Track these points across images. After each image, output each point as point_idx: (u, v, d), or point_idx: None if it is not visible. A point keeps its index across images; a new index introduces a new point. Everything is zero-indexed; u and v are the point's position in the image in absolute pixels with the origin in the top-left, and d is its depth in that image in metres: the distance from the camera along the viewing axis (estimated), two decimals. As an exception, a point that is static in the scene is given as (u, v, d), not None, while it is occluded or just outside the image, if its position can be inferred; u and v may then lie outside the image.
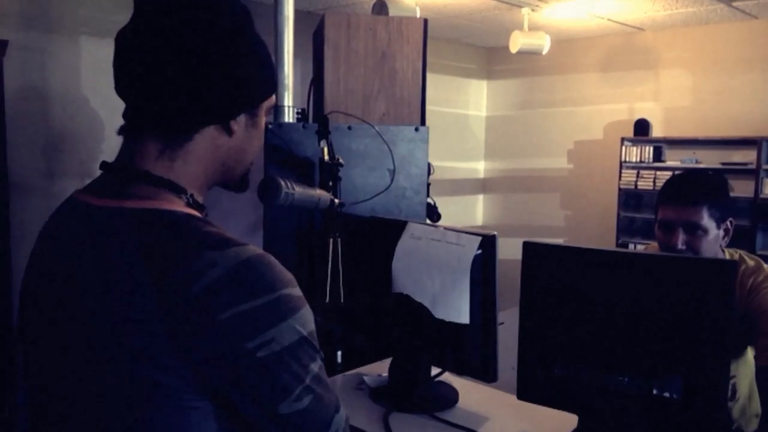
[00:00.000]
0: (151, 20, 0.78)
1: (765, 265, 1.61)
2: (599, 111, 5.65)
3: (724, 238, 1.61)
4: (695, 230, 1.56)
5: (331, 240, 1.67)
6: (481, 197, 6.64)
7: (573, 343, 1.31)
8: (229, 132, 0.83)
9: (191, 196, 0.81)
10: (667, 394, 1.21)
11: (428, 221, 2.21)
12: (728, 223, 1.61)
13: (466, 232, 1.47)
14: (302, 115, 1.86)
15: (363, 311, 1.72)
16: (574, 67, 5.80)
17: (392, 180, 1.72)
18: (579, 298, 1.30)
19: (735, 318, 1.55)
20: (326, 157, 1.49)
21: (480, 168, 6.59)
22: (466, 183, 6.40)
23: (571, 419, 1.31)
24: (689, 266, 1.21)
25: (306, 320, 0.74)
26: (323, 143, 1.48)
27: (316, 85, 2.13)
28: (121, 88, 0.81)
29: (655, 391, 1.22)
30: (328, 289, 1.71)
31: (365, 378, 1.65)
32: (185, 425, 0.72)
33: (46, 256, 0.83)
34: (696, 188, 1.59)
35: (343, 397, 1.61)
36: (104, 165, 0.84)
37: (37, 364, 0.83)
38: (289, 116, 1.89)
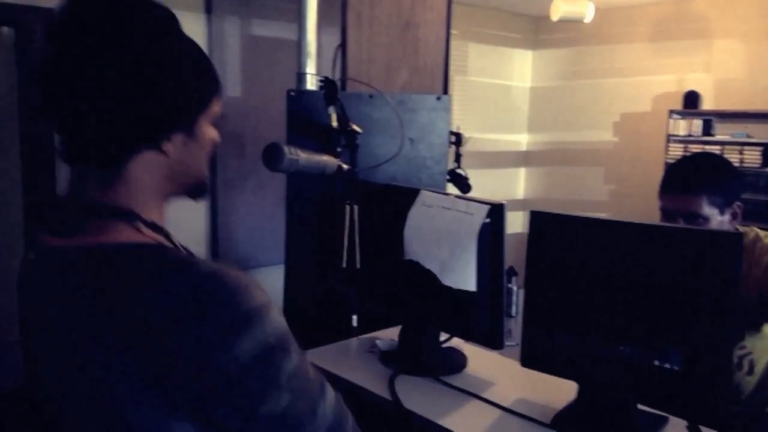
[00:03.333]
0: (64, 40, 0.74)
1: None
2: (647, 82, 5.46)
3: (732, 222, 1.56)
4: (695, 219, 1.53)
5: (347, 207, 1.70)
6: (523, 170, 6.54)
7: (575, 312, 1.32)
8: (165, 153, 0.80)
9: (142, 220, 0.79)
10: (668, 366, 1.20)
11: (452, 192, 2.22)
12: (735, 206, 1.55)
13: (476, 201, 1.48)
14: (325, 83, 1.88)
15: (378, 277, 1.76)
16: (622, 37, 5.60)
17: (400, 148, 1.73)
18: (583, 267, 1.30)
19: (742, 294, 1.52)
20: (334, 124, 1.52)
21: (522, 140, 6.48)
22: (507, 155, 6.32)
23: (572, 387, 1.32)
24: (694, 237, 1.19)
25: (272, 326, 0.74)
26: (331, 109, 1.50)
27: (341, 53, 2.14)
28: (45, 115, 0.78)
29: (656, 362, 1.22)
30: (344, 254, 1.76)
31: (377, 342, 1.69)
32: None
33: (25, 307, 0.85)
34: (694, 176, 1.55)
35: (355, 359, 1.67)
36: (54, 199, 0.84)
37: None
38: (311, 84, 1.92)
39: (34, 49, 2.75)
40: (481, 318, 1.49)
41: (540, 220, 1.37)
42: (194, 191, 0.90)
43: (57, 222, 0.81)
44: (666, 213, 1.59)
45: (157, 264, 0.73)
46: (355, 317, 1.81)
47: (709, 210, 1.52)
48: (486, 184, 5.79)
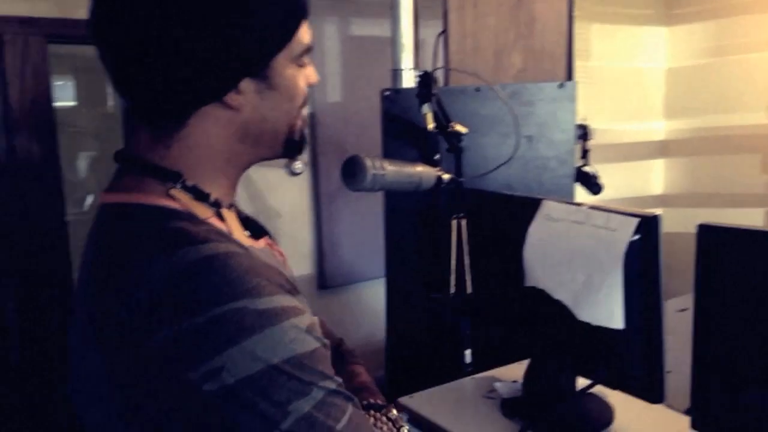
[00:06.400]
0: None
1: None
2: (813, 51, 4.64)
3: None
4: None
5: (454, 222, 1.43)
6: (661, 162, 5.87)
7: (773, 364, 0.95)
8: (232, 108, 0.65)
9: (183, 182, 0.64)
10: None
11: (580, 195, 1.88)
12: None
13: (619, 213, 1.14)
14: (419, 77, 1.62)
15: (494, 305, 1.46)
16: (779, 1, 4.81)
17: (515, 148, 1.42)
18: (783, 302, 0.93)
19: None
20: (430, 125, 1.24)
21: (659, 129, 5.81)
22: (641, 147, 5.68)
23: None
24: None
25: (279, 342, 0.55)
26: (426, 107, 1.23)
27: (444, 43, 1.86)
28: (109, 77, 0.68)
29: None
30: (452, 278, 1.48)
31: (496, 385, 1.39)
32: None
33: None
34: None
35: (468, 406, 1.38)
36: (115, 154, 0.71)
37: None
38: (408, 81, 1.67)
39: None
40: (631, 362, 1.15)
41: (714, 237, 1.01)
42: (285, 148, 0.71)
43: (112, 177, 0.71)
44: None
45: (163, 233, 0.59)
46: (468, 352, 1.52)
47: None
48: (617, 181, 5.21)
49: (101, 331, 0.57)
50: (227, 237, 0.63)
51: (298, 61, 0.68)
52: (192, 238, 0.58)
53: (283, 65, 0.66)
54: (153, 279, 0.55)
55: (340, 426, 0.57)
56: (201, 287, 0.54)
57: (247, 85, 0.64)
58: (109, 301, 0.57)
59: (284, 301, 0.57)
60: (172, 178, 0.64)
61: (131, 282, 0.56)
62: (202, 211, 0.65)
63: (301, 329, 0.57)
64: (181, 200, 0.64)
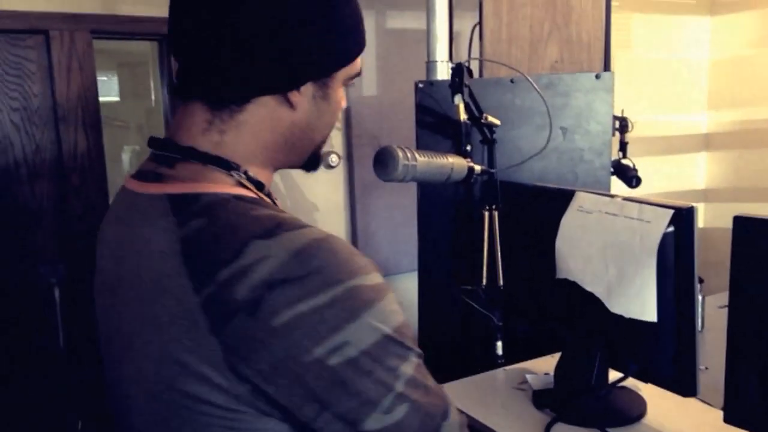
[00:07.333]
0: None
1: None
2: None
3: None
4: None
5: (486, 214, 1.43)
6: (703, 156, 5.72)
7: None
8: (290, 104, 0.67)
9: (245, 172, 0.67)
10: None
11: (617, 187, 1.86)
12: None
13: (653, 204, 1.13)
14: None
15: (525, 297, 1.46)
16: (832, -12, 4.62)
17: (548, 140, 1.41)
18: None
19: None
20: (463, 117, 1.25)
21: (701, 121, 5.66)
22: (682, 140, 5.55)
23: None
24: None
25: (388, 313, 0.61)
26: (458, 98, 1.24)
27: (479, 34, 1.86)
28: (171, 44, 0.70)
29: None
30: (484, 269, 1.49)
31: (528, 377, 1.40)
32: None
33: (101, 255, 0.76)
34: None
35: (499, 397, 1.39)
36: (152, 141, 0.72)
37: (107, 370, 0.78)
38: (442, 73, 1.67)
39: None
40: (664, 355, 1.14)
41: (750, 229, 0.99)
42: (308, 162, 0.75)
43: (149, 165, 0.70)
44: None
45: (255, 221, 0.60)
46: (499, 344, 1.53)
47: None
48: (657, 175, 5.11)
49: (216, 317, 0.57)
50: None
51: (347, 83, 0.73)
52: (290, 224, 0.61)
53: (339, 81, 0.71)
54: (262, 266, 0.57)
55: (431, 384, 0.65)
56: (318, 269, 0.58)
57: (307, 88, 0.68)
58: (218, 289, 0.57)
59: (381, 278, 0.62)
60: (235, 168, 0.66)
61: (237, 271, 0.57)
62: (267, 202, 0.68)
63: (396, 301, 0.62)
64: (251, 190, 0.67)
